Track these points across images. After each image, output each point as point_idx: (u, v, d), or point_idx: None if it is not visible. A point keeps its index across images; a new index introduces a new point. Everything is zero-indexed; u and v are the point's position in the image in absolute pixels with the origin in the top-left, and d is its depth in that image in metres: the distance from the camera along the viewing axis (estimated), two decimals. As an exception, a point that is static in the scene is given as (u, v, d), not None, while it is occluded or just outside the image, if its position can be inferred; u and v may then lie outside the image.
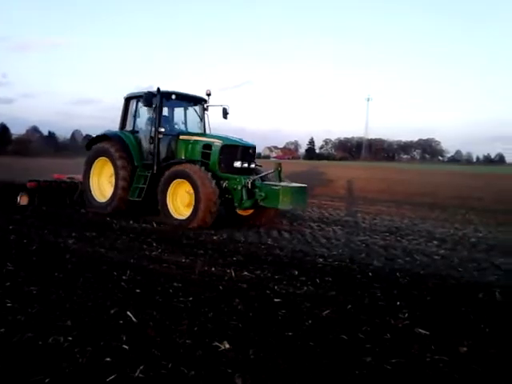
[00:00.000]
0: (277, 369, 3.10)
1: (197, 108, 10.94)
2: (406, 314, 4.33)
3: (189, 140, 9.93)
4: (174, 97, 10.06)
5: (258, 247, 7.35)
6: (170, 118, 10.91)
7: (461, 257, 7.35)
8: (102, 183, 10.74)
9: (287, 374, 3.04)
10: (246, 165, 9.37)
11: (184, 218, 8.85)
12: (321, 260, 6.57)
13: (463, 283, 5.67)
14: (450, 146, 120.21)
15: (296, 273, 5.73)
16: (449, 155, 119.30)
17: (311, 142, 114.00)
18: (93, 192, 10.64)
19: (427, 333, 3.91)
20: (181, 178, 8.95)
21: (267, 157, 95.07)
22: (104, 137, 10.59)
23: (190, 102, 10.84)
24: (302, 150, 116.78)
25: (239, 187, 8.86)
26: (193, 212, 8.63)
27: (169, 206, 9.11)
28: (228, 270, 5.66)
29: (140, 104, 10.26)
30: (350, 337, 3.72)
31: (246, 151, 9.48)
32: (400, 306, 4.61)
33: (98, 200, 10.49)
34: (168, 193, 9.08)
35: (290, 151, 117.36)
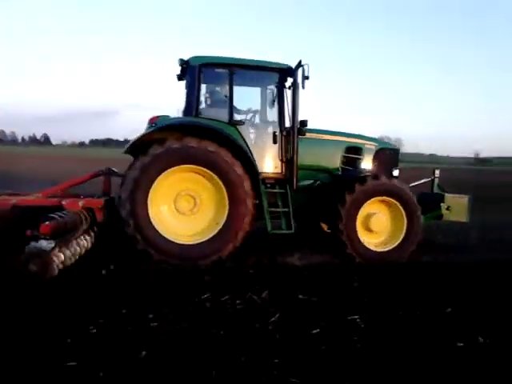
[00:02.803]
0: None
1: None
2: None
3: (314, 139, 7.39)
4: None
5: None
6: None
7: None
8: (161, 213, 6.55)
9: None
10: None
11: (381, 249, 7.13)
12: None
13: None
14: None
15: None
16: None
17: None
18: (157, 227, 6.38)
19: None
20: (386, 196, 7.04)
21: None
22: (192, 129, 6.48)
23: None
24: None
25: None
26: (403, 243, 7.11)
27: (359, 235, 7.03)
28: None
29: (240, 79, 6.96)
30: None
31: (398, 155, 8.14)
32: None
33: (175, 240, 6.39)
34: (358, 216, 7.00)
35: None
